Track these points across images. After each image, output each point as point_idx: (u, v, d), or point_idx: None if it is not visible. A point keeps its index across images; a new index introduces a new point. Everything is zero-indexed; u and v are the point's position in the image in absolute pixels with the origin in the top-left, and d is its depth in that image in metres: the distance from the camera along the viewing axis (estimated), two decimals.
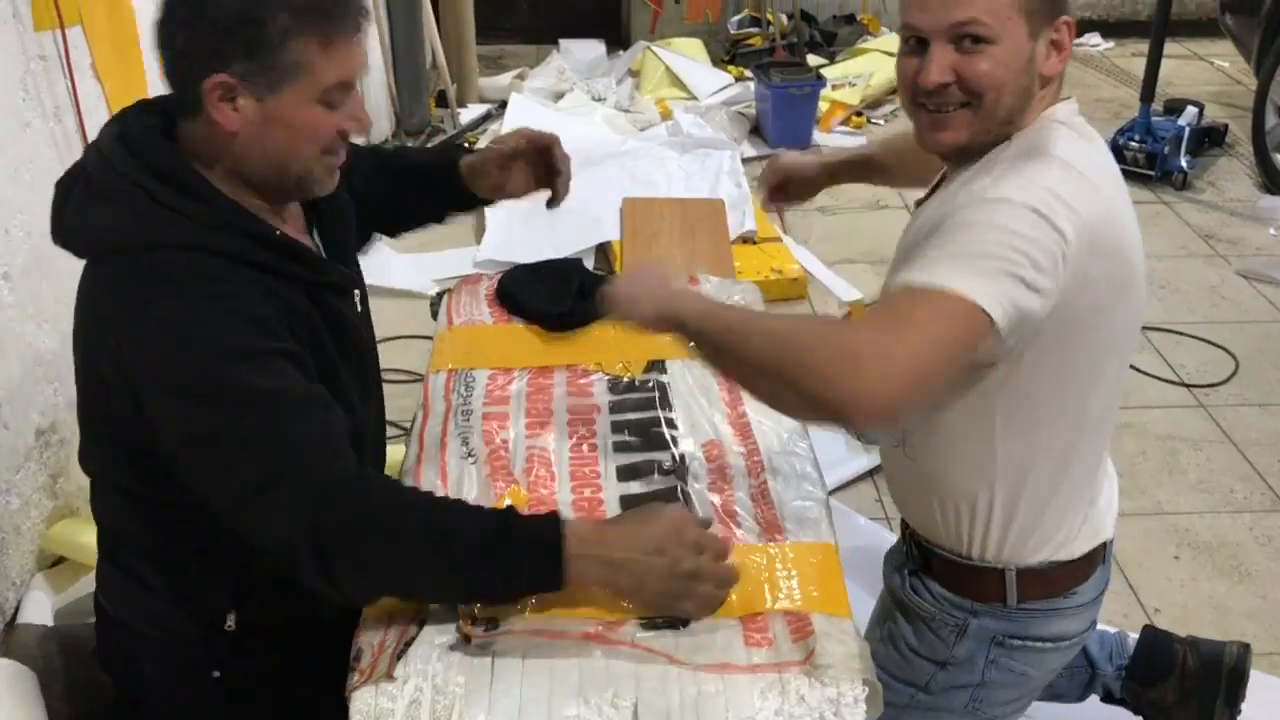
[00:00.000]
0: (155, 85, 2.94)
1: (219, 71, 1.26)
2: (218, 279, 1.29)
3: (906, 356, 1.15)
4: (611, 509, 1.61)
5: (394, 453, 2.75)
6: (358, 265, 1.63)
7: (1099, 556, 1.55)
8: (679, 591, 1.30)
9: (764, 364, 1.23)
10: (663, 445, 1.76)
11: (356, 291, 1.54)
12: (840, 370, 1.15)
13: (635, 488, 1.67)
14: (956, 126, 1.36)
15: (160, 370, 1.26)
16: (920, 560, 1.62)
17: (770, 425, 1.80)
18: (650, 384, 1.93)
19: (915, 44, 1.37)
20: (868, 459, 2.97)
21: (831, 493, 1.96)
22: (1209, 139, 5.09)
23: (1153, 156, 4.71)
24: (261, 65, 1.26)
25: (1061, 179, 1.26)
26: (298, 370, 1.32)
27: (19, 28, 2.40)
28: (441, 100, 5.44)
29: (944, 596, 1.58)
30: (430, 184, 1.84)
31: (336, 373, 1.43)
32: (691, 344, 1.35)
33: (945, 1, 1.31)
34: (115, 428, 1.38)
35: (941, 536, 1.56)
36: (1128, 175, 4.67)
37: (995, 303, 1.18)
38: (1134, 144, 4.74)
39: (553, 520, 1.31)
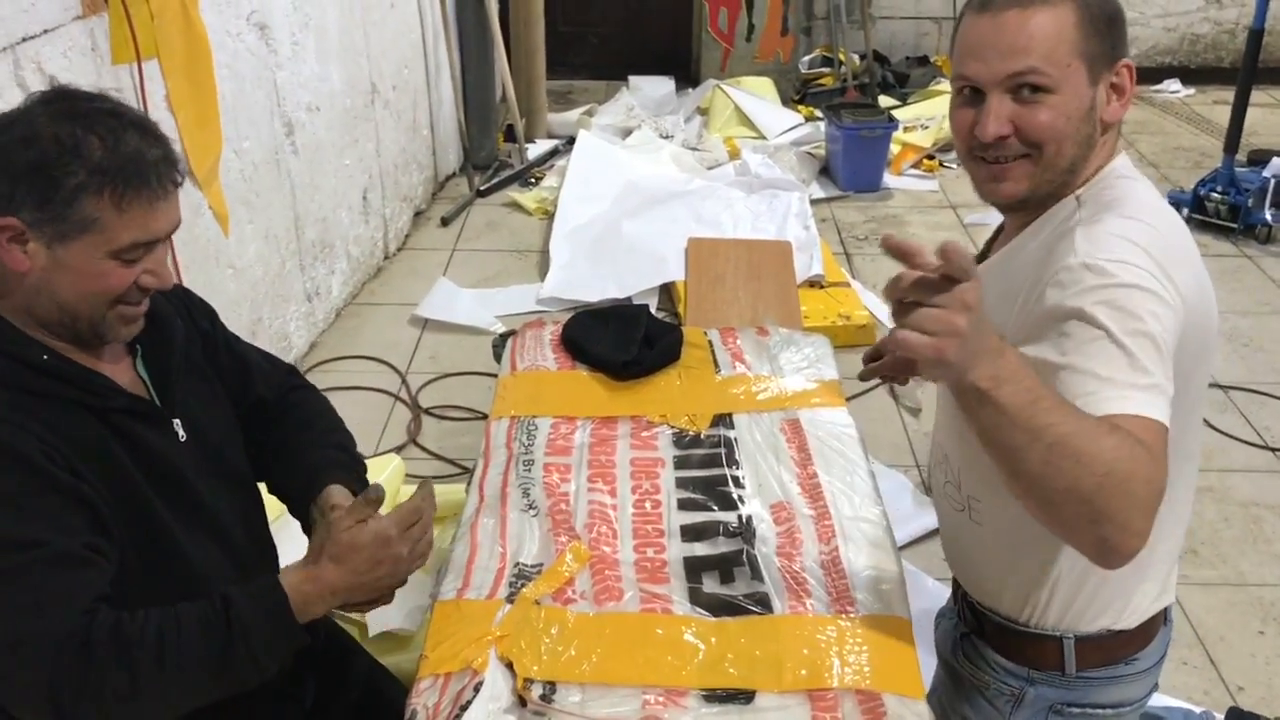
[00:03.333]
0: (228, 117, 2.97)
1: (9, 215, 1.25)
2: None
3: (1157, 489, 1.10)
4: (675, 571, 1.56)
5: (453, 492, 2.73)
6: (198, 401, 1.51)
7: (1160, 620, 1.48)
8: (411, 566, 1.39)
9: (1067, 488, 1.07)
10: (729, 505, 1.70)
11: (178, 421, 1.45)
12: (1142, 515, 1.08)
13: (700, 549, 1.61)
14: (1017, 178, 1.31)
15: None
16: (973, 623, 1.55)
17: (841, 488, 1.73)
18: (717, 439, 1.87)
19: (970, 94, 1.31)
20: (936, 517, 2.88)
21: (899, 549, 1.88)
22: None
23: (1236, 209, 4.58)
24: (52, 216, 1.24)
25: (1144, 238, 1.21)
26: (71, 509, 1.27)
27: (97, 60, 2.42)
28: (510, 135, 5.45)
29: (999, 664, 1.50)
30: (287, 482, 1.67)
31: (150, 505, 1.36)
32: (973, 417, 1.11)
33: (1002, 50, 1.25)
34: None
35: (1003, 603, 1.49)
36: (1209, 227, 4.61)
37: (1164, 414, 1.13)
38: (1216, 195, 4.60)
39: (273, 590, 1.31)
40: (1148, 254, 1.19)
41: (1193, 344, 1.24)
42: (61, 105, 1.27)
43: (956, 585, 1.61)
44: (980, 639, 1.53)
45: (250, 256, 3.24)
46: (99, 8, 2.42)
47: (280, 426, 1.65)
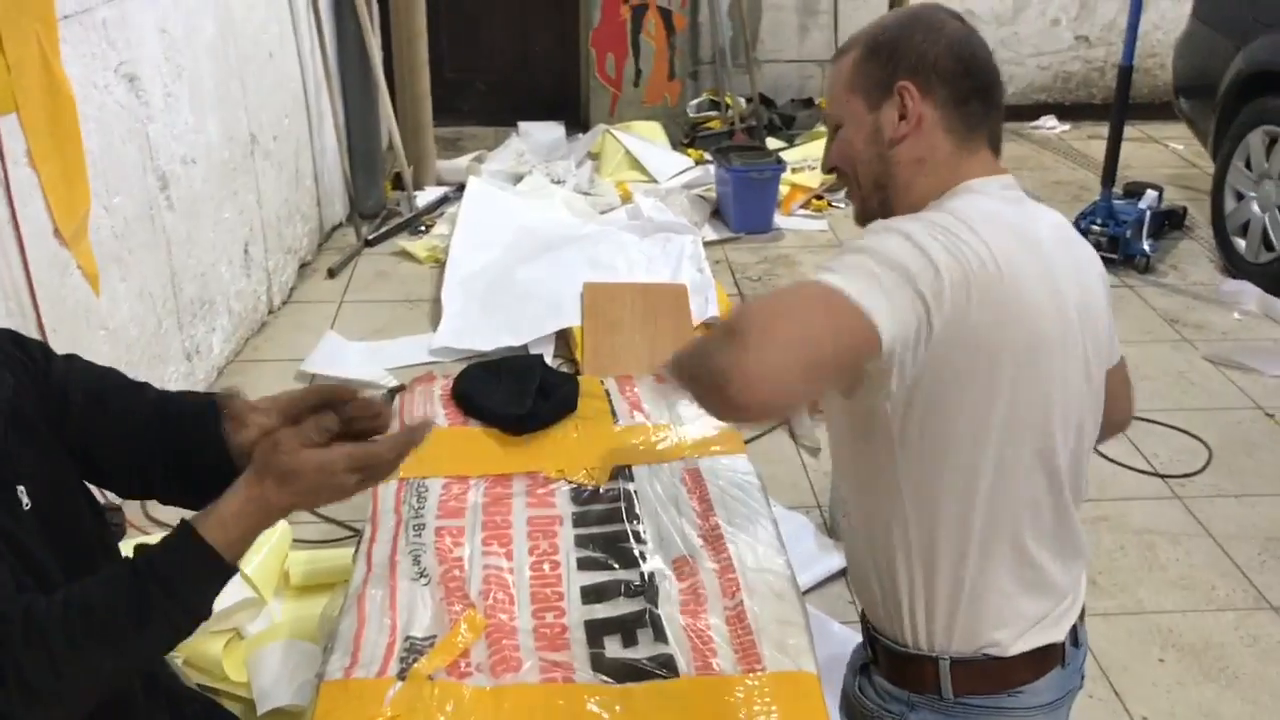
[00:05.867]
0: (96, 172, 2.84)
1: None
2: None
3: (786, 333, 1.17)
4: (576, 636, 1.49)
5: (341, 556, 2.62)
6: (36, 462, 1.38)
7: (1050, 659, 1.45)
8: (353, 492, 1.27)
9: (686, 365, 1.27)
10: (630, 562, 1.65)
11: (21, 487, 1.33)
12: (727, 345, 1.18)
13: (601, 611, 1.55)
14: (853, 199, 1.48)
15: None
16: (871, 653, 1.53)
17: (744, 539, 1.69)
18: (616, 493, 1.82)
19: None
20: (840, 558, 2.86)
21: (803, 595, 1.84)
22: (1169, 222, 5.09)
23: (1115, 240, 4.71)
24: None
25: (941, 221, 1.28)
26: None
27: None
28: (398, 183, 5.36)
29: (885, 689, 1.48)
30: (185, 432, 1.51)
31: None
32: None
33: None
34: None
35: (880, 619, 1.48)
36: None
37: (864, 296, 1.19)
38: (1096, 227, 4.73)
39: (181, 531, 1.23)
40: (925, 226, 1.27)
41: (986, 329, 1.25)
42: None
43: (863, 616, 1.59)
44: (875, 667, 1.51)
45: (124, 316, 3.09)
46: None
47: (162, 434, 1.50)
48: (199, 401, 1.51)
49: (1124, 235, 4.70)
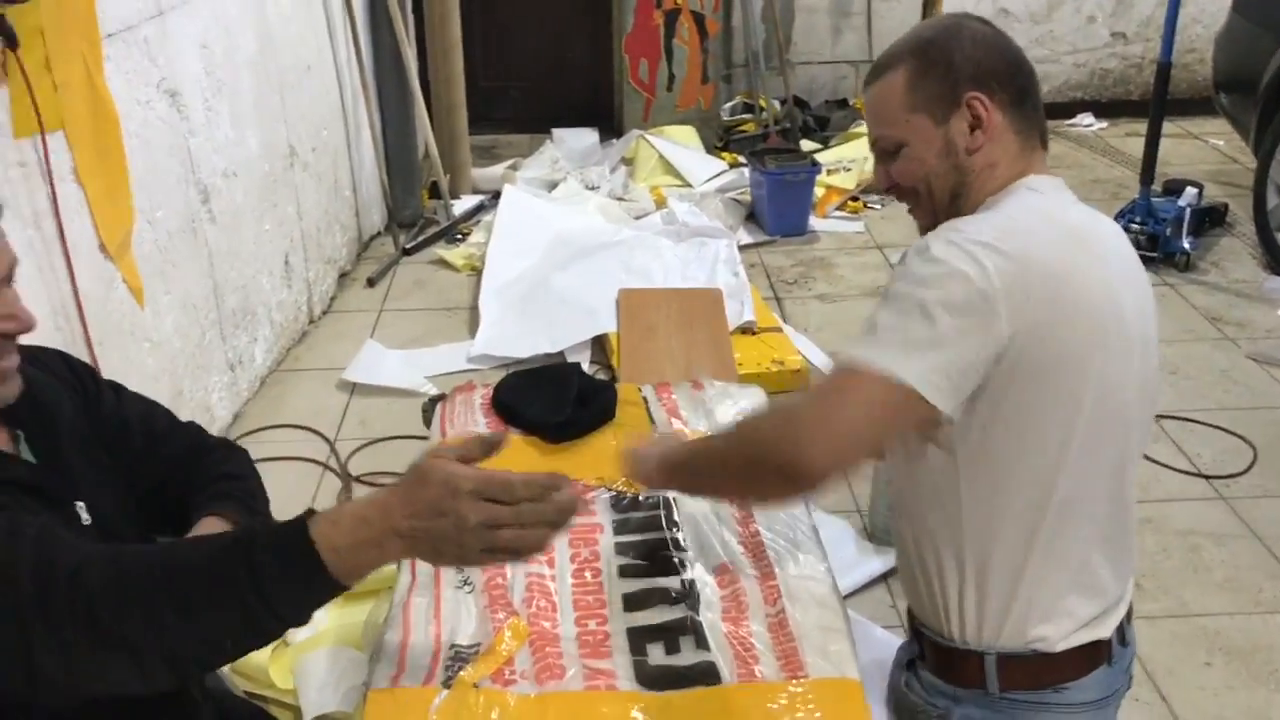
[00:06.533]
0: (140, 187, 2.89)
1: None
2: None
3: (843, 422, 1.23)
4: (618, 644, 1.50)
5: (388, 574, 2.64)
6: (95, 479, 1.43)
7: (1096, 656, 1.45)
8: (480, 545, 1.10)
9: (728, 458, 1.33)
10: (671, 570, 1.66)
11: (81, 503, 1.37)
12: (783, 435, 1.23)
13: (643, 618, 1.56)
14: (920, 215, 1.48)
15: None
16: (917, 648, 1.53)
17: (785, 545, 1.70)
18: (655, 500, 1.82)
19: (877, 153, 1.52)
20: (880, 562, 2.85)
21: (844, 598, 1.84)
22: (1209, 219, 5.04)
23: (1154, 238, 4.66)
24: None
25: (990, 227, 1.30)
26: None
27: None
28: (435, 192, 5.40)
29: (931, 685, 1.49)
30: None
31: None
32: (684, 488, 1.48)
33: (868, 121, 1.49)
34: None
35: (927, 614, 1.48)
36: None
37: (923, 379, 1.22)
38: (1135, 226, 4.68)
39: (299, 519, 1.13)
40: (972, 239, 1.26)
41: (1051, 327, 1.26)
42: None
43: (909, 612, 1.59)
44: (921, 662, 1.51)
45: (168, 328, 3.14)
46: None
47: (180, 486, 1.52)
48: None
49: (1163, 233, 4.65)
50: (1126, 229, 4.64)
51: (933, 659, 1.48)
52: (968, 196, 1.42)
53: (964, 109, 1.39)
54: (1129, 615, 1.51)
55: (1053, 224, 1.34)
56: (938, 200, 1.43)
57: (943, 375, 1.23)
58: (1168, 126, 4.93)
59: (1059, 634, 1.41)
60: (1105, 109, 6.79)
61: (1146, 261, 4.59)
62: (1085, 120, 6.70)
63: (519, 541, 1.10)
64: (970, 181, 1.41)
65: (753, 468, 1.28)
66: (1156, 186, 4.82)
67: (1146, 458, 3.34)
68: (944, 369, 1.23)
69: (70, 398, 1.44)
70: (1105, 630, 1.45)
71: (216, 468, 1.54)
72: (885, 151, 1.46)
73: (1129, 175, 5.57)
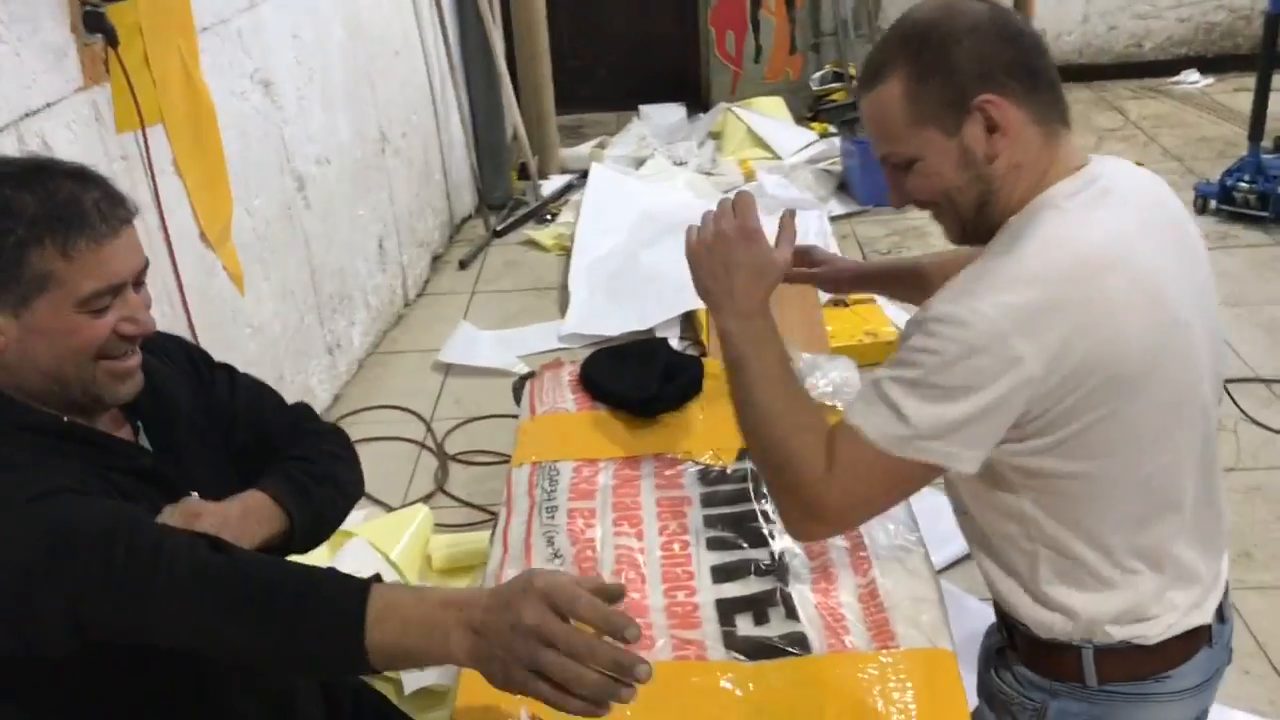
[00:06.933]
0: (236, 176, 2.96)
1: None
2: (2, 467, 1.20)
3: (866, 503, 1.28)
4: (707, 615, 1.51)
5: (479, 540, 2.69)
6: (208, 470, 1.47)
7: (1197, 640, 1.39)
8: (526, 655, 1.00)
9: (751, 440, 1.34)
10: (760, 541, 1.65)
11: (195, 494, 1.40)
12: (794, 504, 1.29)
13: (732, 590, 1.56)
14: (947, 226, 1.38)
15: None
16: (1006, 637, 1.49)
17: (876, 516, 1.68)
18: (743, 473, 1.82)
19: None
20: None
21: (939, 572, 1.81)
22: None
23: (1265, 197, 4.48)
24: (4, 282, 1.21)
25: (1006, 283, 1.21)
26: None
27: (101, 130, 2.42)
28: (523, 173, 5.45)
29: (1025, 678, 1.44)
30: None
31: None
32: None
33: (869, 134, 1.36)
34: None
35: (1015, 607, 1.43)
36: (1239, 217, 4.52)
37: (947, 455, 1.21)
38: (1244, 184, 4.52)
39: (361, 585, 1.10)
40: (1011, 309, 1.18)
41: (1092, 389, 1.21)
42: None
43: (995, 600, 1.56)
44: (1012, 652, 1.47)
45: (268, 314, 3.23)
46: (100, 78, 2.42)
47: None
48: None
49: (1274, 191, 4.47)
50: (1235, 188, 4.50)
51: (1025, 651, 1.44)
52: (995, 204, 1.31)
53: (976, 114, 1.26)
54: (1226, 590, 1.45)
55: (1075, 257, 1.22)
56: (963, 212, 1.33)
57: (964, 445, 1.21)
58: (1277, 80, 4.73)
59: (1158, 628, 1.35)
60: (1211, 64, 6.53)
61: (1256, 221, 4.48)
62: (1190, 77, 6.46)
63: (563, 671, 0.99)
64: (996, 189, 1.30)
65: (780, 479, 1.30)
66: (1267, 143, 4.65)
67: (1258, 423, 3.23)
68: (965, 439, 1.21)
69: (188, 387, 1.49)
70: (1205, 615, 1.39)
71: (299, 449, 1.57)
72: (896, 167, 1.33)
73: (1237, 133, 5.36)
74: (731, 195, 1.38)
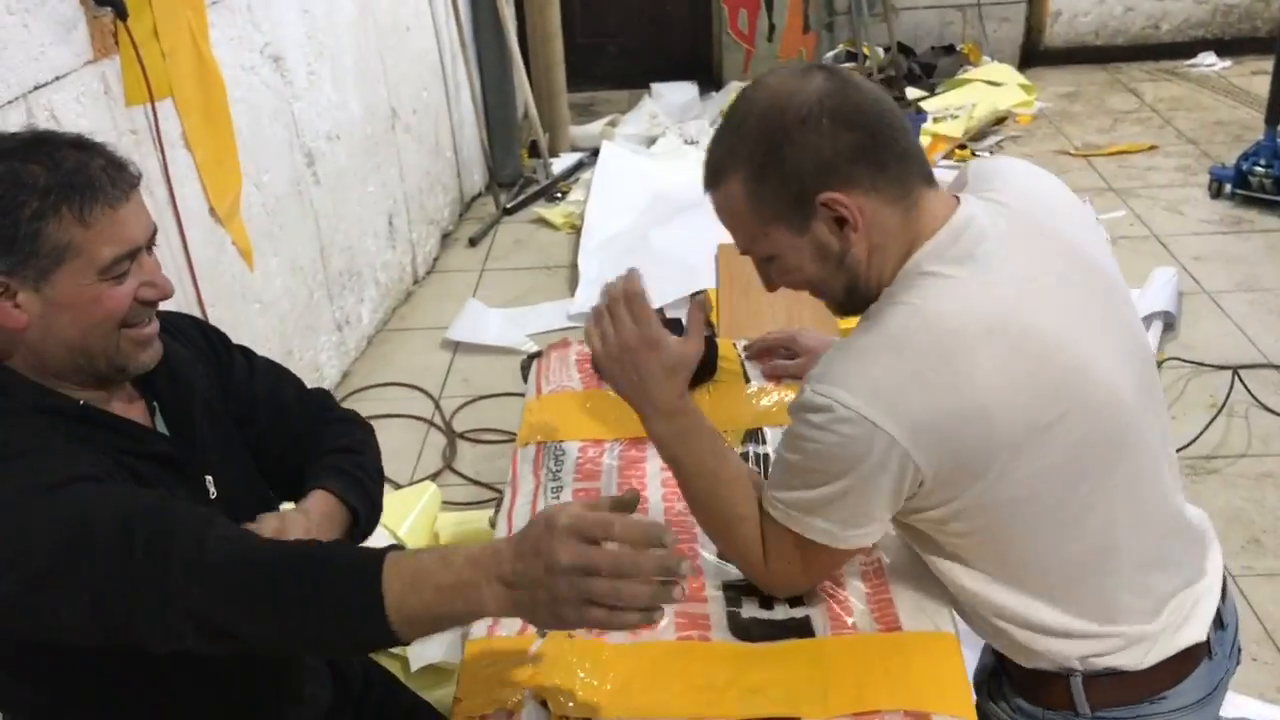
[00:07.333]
0: (246, 150, 2.95)
1: None
2: (17, 453, 1.19)
3: (782, 584, 1.43)
4: (712, 596, 1.50)
5: (485, 518, 2.69)
6: (223, 453, 1.47)
7: (1192, 659, 1.36)
8: (572, 593, 0.99)
9: (703, 528, 1.48)
10: None
11: (209, 477, 1.41)
12: (754, 579, 1.44)
13: (737, 571, 1.55)
14: (825, 301, 1.37)
15: None
16: (996, 659, 1.49)
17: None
18: (748, 455, 1.81)
19: None
20: None
21: None
22: None
23: None
24: (24, 256, 1.20)
25: (890, 369, 1.20)
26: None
27: (110, 103, 2.41)
28: (534, 150, 5.43)
29: (1018, 705, 1.43)
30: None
31: None
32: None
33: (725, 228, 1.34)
34: None
35: (998, 642, 1.43)
36: (1255, 202, 4.48)
37: (841, 540, 1.31)
38: (1260, 169, 4.48)
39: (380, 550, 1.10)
40: (877, 393, 1.18)
41: (980, 453, 1.20)
42: None
43: None
44: (1005, 677, 1.47)
45: (277, 290, 3.23)
46: (110, 51, 2.42)
47: (299, 455, 1.57)
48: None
49: None
50: (1250, 173, 4.47)
51: (1016, 678, 1.43)
52: (862, 282, 1.29)
53: (821, 210, 1.23)
54: (1224, 593, 1.42)
55: (942, 331, 1.19)
56: (835, 295, 1.33)
57: (843, 524, 1.29)
58: None
59: (1142, 654, 1.33)
60: (1228, 47, 6.48)
61: (1272, 206, 4.44)
62: (1207, 60, 6.41)
63: (615, 595, 0.99)
64: (860, 273, 1.28)
65: (735, 562, 1.46)
66: None
67: (1269, 409, 3.22)
68: (845, 518, 1.28)
69: (205, 369, 1.49)
70: (1198, 633, 1.36)
71: (334, 441, 1.58)
72: (759, 259, 1.33)
73: (1254, 116, 5.32)
74: (618, 285, 1.39)
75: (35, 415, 1.25)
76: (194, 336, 1.53)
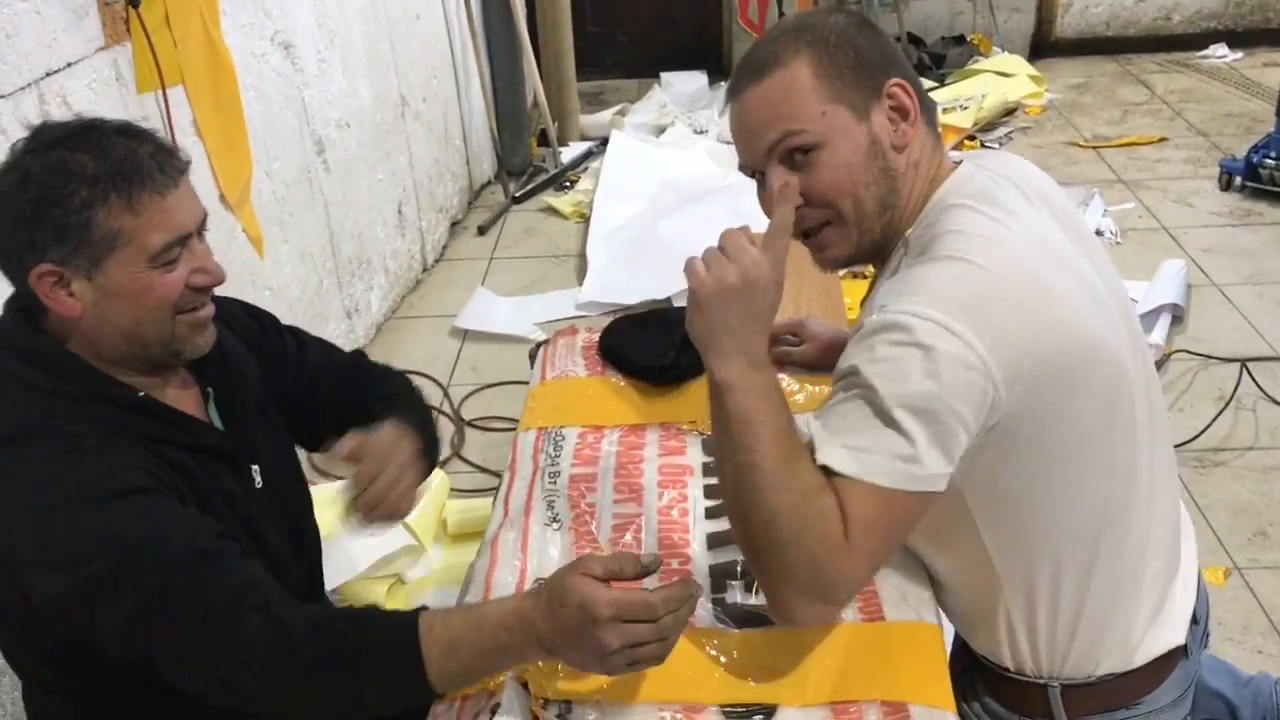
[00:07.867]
0: (256, 138, 2.97)
1: (40, 262, 1.23)
2: (73, 449, 1.23)
3: (858, 565, 1.17)
4: (701, 580, 1.52)
5: (484, 507, 2.71)
6: (268, 443, 1.52)
7: (1171, 661, 1.37)
8: (624, 662, 1.16)
9: (739, 519, 1.23)
10: None
11: (256, 467, 1.45)
12: (807, 584, 1.18)
13: (726, 556, 1.58)
14: (835, 244, 1.29)
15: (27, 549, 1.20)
16: (968, 660, 1.49)
17: None
18: None
19: (759, 178, 1.30)
20: None
21: None
22: None
23: None
24: (76, 245, 1.23)
25: (966, 288, 1.14)
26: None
27: (122, 90, 2.44)
28: (543, 139, 5.45)
29: (993, 710, 1.44)
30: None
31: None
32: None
33: (754, 129, 1.25)
34: (14, 621, 1.31)
35: (979, 643, 1.43)
36: (1265, 194, 4.48)
37: (927, 480, 1.14)
38: (1270, 161, 4.47)
39: (410, 618, 1.18)
40: (953, 303, 1.13)
41: (1045, 380, 1.16)
42: (40, 139, 1.26)
43: (957, 634, 1.54)
44: (983, 686, 1.47)
45: (287, 277, 3.26)
46: (121, 38, 2.44)
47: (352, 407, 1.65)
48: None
49: None
50: (1261, 165, 4.46)
51: (989, 682, 1.43)
52: (898, 205, 1.26)
53: (884, 99, 1.22)
54: (1200, 588, 1.44)
55: (1003, 244, 1.18)
56: (867, 216, 1.25)
57: (941, 464, 1.14)
58: None
59: (1128, 657, 1.34)
60: (1240, 38, 6.45)
61: None
62: (1218, 51, 6.38)
63: (663, 651, 1.17)
64: (899, 187, 1.25)
65: (793, 556, 1.16)
66: None
67: (1276, 402, 3.22)
68: (960, 444, 1.14)
69: (257, 359, 1.53)
70: (1179, 635, 1.37)
71: (389, 385, 1.69)
72: (790, 156, 1.23)
73: (1265, 109, 5.30)
74: (761, 229, 1.24)
75: (95, 403, 1.28)
76: (245, 322, 1.57)
